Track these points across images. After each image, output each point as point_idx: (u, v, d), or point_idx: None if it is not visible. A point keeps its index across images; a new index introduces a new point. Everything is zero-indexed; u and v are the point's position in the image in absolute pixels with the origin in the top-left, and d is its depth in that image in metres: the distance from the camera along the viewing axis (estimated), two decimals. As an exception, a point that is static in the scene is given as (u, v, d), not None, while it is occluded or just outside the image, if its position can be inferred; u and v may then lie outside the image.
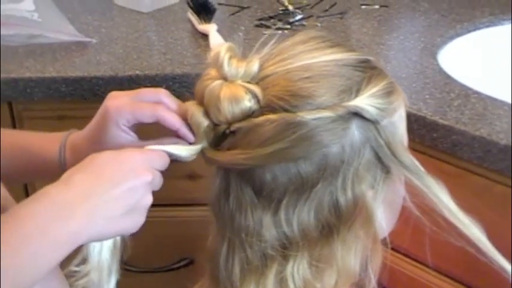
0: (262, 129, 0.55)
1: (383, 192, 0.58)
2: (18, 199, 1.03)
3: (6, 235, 0.47)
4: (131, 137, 0.61)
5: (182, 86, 1.03)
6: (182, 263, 1.13)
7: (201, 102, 0.58)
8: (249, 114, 0.56)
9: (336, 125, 0.54)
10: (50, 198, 0.51)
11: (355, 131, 0.56)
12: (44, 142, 0.66)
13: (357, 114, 0.55)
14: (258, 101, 0.56)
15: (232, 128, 0.57)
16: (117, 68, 1.03)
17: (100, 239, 0.55)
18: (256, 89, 0.56)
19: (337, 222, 0.57)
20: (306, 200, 0.57)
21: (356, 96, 0.55)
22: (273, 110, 0.55)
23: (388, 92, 0.57)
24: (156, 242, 1.05)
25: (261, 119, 0.55)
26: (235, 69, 0.56)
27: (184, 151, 0.59)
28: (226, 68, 0.56)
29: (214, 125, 0.58)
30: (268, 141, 0.54)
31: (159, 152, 0.59)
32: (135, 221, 0.55)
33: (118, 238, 0.58)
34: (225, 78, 0.57)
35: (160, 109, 0.60)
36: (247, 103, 0.56)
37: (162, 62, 1.05)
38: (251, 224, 0.58)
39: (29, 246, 0.49)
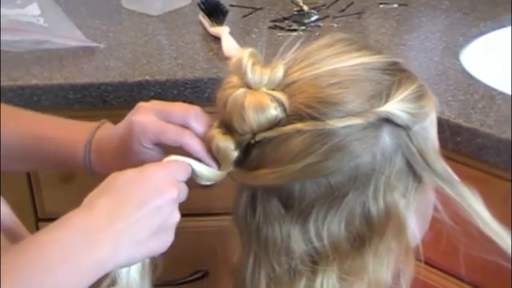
0: (291, 142, 0.55)
1: (415, 201, 0.58)
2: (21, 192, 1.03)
3: (30, 263, 0.47)
4: (156, 152, 0.62)
5: (194, 92, 1.02)
6: (197, 275, 1.12)
7: (223, 111, 0.58)
8: (275, 123, 0.56)
9: (367, 133, 0.54)
10: (73, 225, 0.50)
11: (386, 138, 0.56)
12: (69, 133, 0.66)
13: (387, 121, 0.55)
14: (285, 109, 0.56)
15: (258, 137, 0.57)
16: (126, 73, 1.03)
17: (128, 265, 0.55)
18: (282, 97, 0.56)
19: (369, 233, 0.57)
20: (336, 211, 0.57)
21: (386, 101, 0.56)
22: (300, 118, 0.55)
23: (419, 96, 0.57)
24: (169, 254, 1.04)
25: (289, 128, 0.55)
26: (259, 76, 0.56)
27: (206, 171, 0.59)
28: (249, 75, 0.56)
29: (239, 135, 0.58)
30: (298, 156, 0.54)
31: (182, 163, 0.59)
32: (163, 241, 0.55)
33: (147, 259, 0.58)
34: (248, 86, 0.57)
35: (186, 136, 0.60)
36: (273, 111, 0.56)
37: (172, 66, 1.05)
38: (279, 238, 0.58)
39: (54, 275, 0.48)
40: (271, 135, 0.56)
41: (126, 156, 0.62)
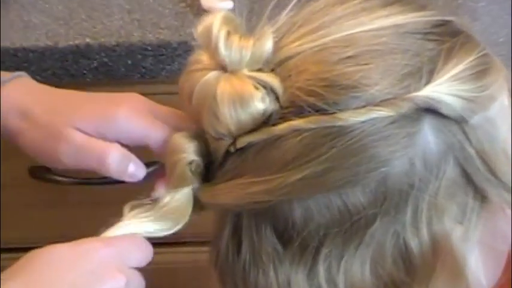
0: (286, 143, 0.55)
1: (477, 229, 0.59)
2: None
3: None
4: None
5: (158, 62, 1.01)
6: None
7: (188, 105, 0.59)
8: (263, 121, 0.56)
9: (399, 129, 0.54)
10: None
11: (429, 136, 0.56)
12: None
13: (430, 111, 0.55)
14: (277, 98, 0.56)
15: (240, 143, 0.57)
16: (56, 34, 1.03)
17: None
18: (272, 81, 0.56)
19: (407, 278, 0.58)
20: (357, 247, 0.57)
21: (429, 81, 0.55)
22: (299, 111, 0.55)
23: (481, 71, 0.57)
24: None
25: (282, 127, 0.55)
26: (237, 52, 0.57)
27: (165, 225, 0.62)
28: (223, 50, 0.56)
29: (213, 140, 0.59)
30: (296, 162, 0.55)
31: (132, 239, 0.60)
32: None
33: None
34: (223, 68, 0.57)
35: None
36: (260, 104, 0.56)
37: (125, 24, 1.04)
38: (274, 286, 0.59)
39: None
40: (257, 140, 0.57)
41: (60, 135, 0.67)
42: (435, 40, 0.57)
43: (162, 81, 1.01)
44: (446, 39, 0.57)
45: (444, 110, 0.55)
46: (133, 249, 0.59)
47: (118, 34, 1.02)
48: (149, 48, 1.01)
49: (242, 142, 0.57)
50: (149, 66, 1.01)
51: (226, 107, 0.56)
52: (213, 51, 0.57)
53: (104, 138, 0.66)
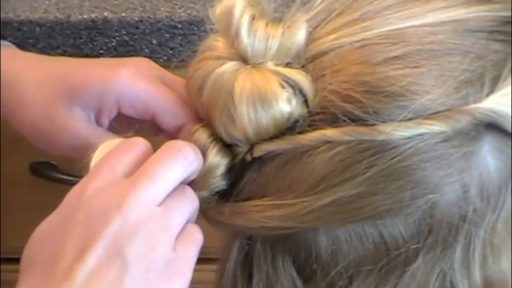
0: (315, 159, 0.54)
1: None
2: None
3: None
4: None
5: (188, 43, 1.01)
6: None
7: (197, 101, 0.57)
8: (287, 127, 0.55)
9: (453, 149, 0.53)
10: None
11: (488, 158, 0.54)
12: None
13: (493, 127, 0.53)
14: (305, 101, 0.55)
15: (257, 152, 0.56)
16: (69, 5, 1.01)
17: None
18: (301, 79, 0.55)
19: None
20: (394, 287, 0.56)
21: (492, 90, 0.53)
22: (332, 119, 0.54)
23: None
24: None
25: (311, 136, 0.54)
26: (262, 41, 0.55)
27: None
28: (245, 38, 0.55)
29: (226, 146, 0.58)
30: (326, 183, 0.54)
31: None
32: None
33: None
34: (243, 59, 0.55)
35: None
36: (285, 106, 0.54)
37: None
38: None
39: None
40: (280, 149, 0.55)
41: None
42: (503, 41, 0.55)
43: (193, 66, 1.01)
44: None
45: (510, 127, 0.53)
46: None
47: (142, 8, 1.01)
48: (179, 25, 1.00)
49: (261, 150, 0.56)
50: (178, 47, 1.00)
51: (245, 107, 0.54)
52: (233, 37, 0.55)
53: (104, 105, 0.65)
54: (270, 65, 0.55)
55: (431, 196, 0.53)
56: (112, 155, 0.56)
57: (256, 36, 0.55)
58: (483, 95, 0.53)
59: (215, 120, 0.56)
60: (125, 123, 0.67)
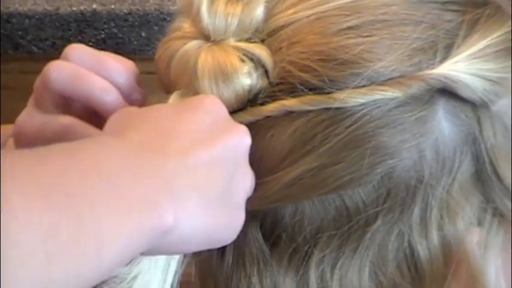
0: (277, 134, 0.55)
1: (499, 235, 0.58)
2: None
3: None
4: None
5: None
6: None
7: (166, 78, 0.58)
8: (249, 99, 0.56)
9: (407, 114, 0.54)
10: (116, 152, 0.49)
11: (443, 122, 0.55)
12: None
13: (446, 92, 0.55)
14: (265, 72, 0.56)
15: None
16: None
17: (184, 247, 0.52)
18: (260, 52, 0.56)
19: (414, 287, 0.57)
20: (354, 249, 0.57)
21: (445, 58, 0.55)
22: (291, 89, 0.55)
23: (509, 49, 0.56)
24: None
25: (272, 106, 0.55)
26: (222, 19, 0.56)
27: None
28: (206, 17, 0.56)
29: None
30: (288, 158, 0.55)
31: None
32: (234, 216, 0.54)
33: None
34: (206, 36, 0.57)
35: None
36: (245, 79, 0.56)
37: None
38: None
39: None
40: (243, 121, 0.56)
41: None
42: (455, 11, 0.56)
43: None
44: (469, 9, 0.57)
45: (462, 92, 0.54)
46: None
47: (131, 1, 1.02)
48: (167, 18, 1.02)
49: None
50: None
51: (207, 81, 0.56)
52: (195, 17, 0.57)
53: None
54: (231, 41, 0.56)
55: (389, 162, 0.54)
56: None
57: (216, 14, 0.56)
58: (436, 61, 0.54)
59: (182, 96, 0.57)
60: None
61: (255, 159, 0.56)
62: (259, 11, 0.57)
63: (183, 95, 0.57)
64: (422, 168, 0.55)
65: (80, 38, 1.02)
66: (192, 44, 0.57)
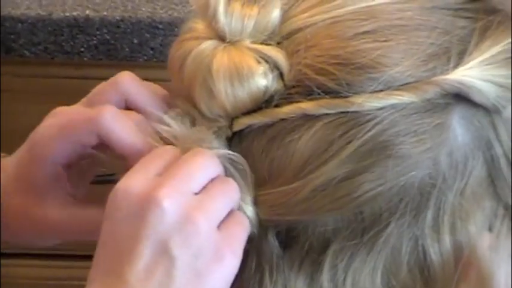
0: (297, 141, 0.55)
1: (509, 238, 0.58)
2: None
3: None
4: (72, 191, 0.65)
5: (169, 43, 1.00)
6: None
7: (179, 79, 0.59)
8: (265, 101, 0.57)
9: (427, 120, 0.55)
10: None
11: (457, 128, 0.56)
12: None
13: (460, 98, 0.55)
14: (281, 75, 0.57)
15: (237, 126, 0.58)
16: (51, 2, 1.03)
17: None
18: (276, 55, 0.57)
19: None
20: (368, 253, 0.57)
21: (458, 64, 0.55)
22: (307, 92, 0.56)
23: None
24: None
25: (288, 109, 0.56)
26: (239, 20, 0.57)
27: None
28: (222, 18, 0.57)
29: (207, 121, 0.59)
30: (309, 165, 0.55)
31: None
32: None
33: None
34: (221, 37, 0.57)
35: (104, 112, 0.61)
36: (261, 81, 0.56)
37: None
38: None
39: None
40: (258, 122, 0.57)
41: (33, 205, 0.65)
42: (468, 17, 0.57)
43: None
44: (481, 16, 0.57)
45: (476, 98, 0.55)
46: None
47: (124, 8, 1.02)
48: (159, 26, 1.02)
49: (240, 124, 0.57)
50: (158, 47, 1.02)
51: (222, 82, 0.56)
52: (211, 18, 0.57)
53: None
54: (247, 42, 0.57)
55: (413, 173, 0.55)
56: (144, 159, 0.57)
57: (232, 15, 0.56)
58: (450, 67, 0.55)
59: (195, 96, 0.57)
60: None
61: (274, 168, 0.56)
62: (275, 14, 0.57)
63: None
64: (436, 174, 0.56)
65: (72, 43, 1.02)
66: (208, 44, 0.57)
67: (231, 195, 0.57)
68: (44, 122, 0.64)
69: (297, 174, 0.56)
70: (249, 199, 0.58)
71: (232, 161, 0.57)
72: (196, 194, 0.56)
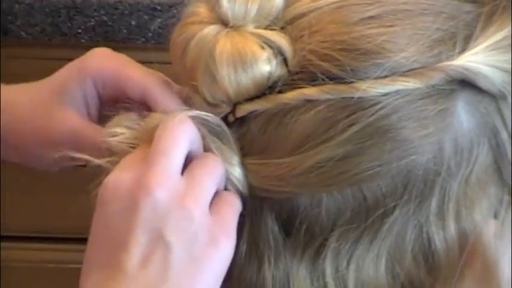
0: (296, 119, 0.55)
1: None
2: None
3: None
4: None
5: (168, 25, 1.01)
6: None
7: (181, 64, 0.58)
8: (268, 87, 0.57)
9: (431, 106, 0.55)
10: None
11: (462, 114, 0.56)
12: None
13: (465, 83, 0.55)
14: (285, 60, 0.56)
15: (239, 112, 0.58)
16: None
17: None
18: (280, 40, 0.57)
19: (428, 278, 0.58)
20: (371, 240, 0.57)
21: (464, 49, 0.55)
22: (311, 78, 0.55)
23: None
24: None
25: (291, 95, 0.56)
26: (242, 4, 0.57)
27: None
28: (226, 2, 0.56)
29: (210, 106, 0.59)
30: (308, 142, 0.55)
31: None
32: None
33: None
34: (224, 22, 0.57)
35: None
36: (264, 66, 0.56)
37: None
38: (269, 281, 0.58)
39: None
40: (261, 108, 0.57)
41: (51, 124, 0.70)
42: (473, 2, 0.57)
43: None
44: (486, 1, 0.57)
45: (482, 83, 0.55)
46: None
47: None
48: (158, 8, 1.01)
49: (242, 110, 0.57)
50: (157, 29, 1.02)
51: (225, 68, 0.56)
52: (214, 2, 0.57)
53: (86, 91, 0.70)
54: (250, 27, 0.57)
55: (413, 157, 0.55)
56: (129, 156, 0.58)
57: (236, 0, 0.57)
58: (455, 53, 0.55)
59: (198, 81, 0.57)
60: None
61: (271, 142, 0.56)
62: None
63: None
64: (441, 161, 0.56)
65: (69, 24, 1.01)
66: (210, 29, 0.57)
67: (215, 171, 0.57)
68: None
69: (294, 150, 0.56)
70: (235, 159, 0.58)
71: (207, 122, 0.58)
72: (181, 171, 0.56)
